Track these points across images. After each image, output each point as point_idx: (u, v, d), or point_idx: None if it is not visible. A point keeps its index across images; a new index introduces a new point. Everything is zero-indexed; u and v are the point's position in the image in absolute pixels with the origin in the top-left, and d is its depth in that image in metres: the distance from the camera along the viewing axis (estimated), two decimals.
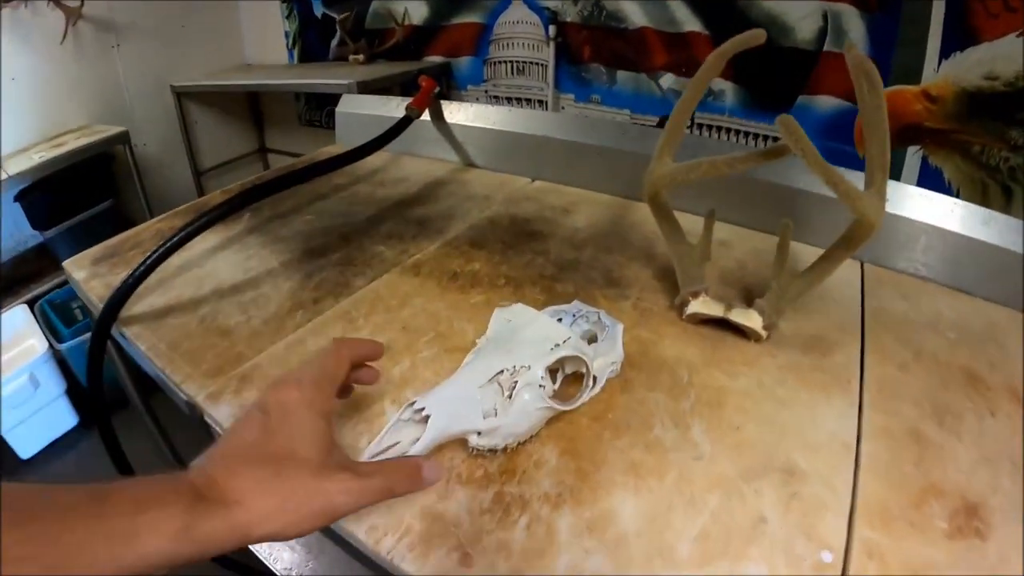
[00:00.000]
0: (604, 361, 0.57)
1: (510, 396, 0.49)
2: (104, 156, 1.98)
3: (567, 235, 0.91)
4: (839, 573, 0.42)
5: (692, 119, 1.18)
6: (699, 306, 0.67)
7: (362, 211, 1.01)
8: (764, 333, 0.64)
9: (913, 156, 0.94)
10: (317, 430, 0.37)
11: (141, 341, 0.69)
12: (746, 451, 0.52)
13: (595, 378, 0.55)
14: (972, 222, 0.76)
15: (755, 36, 0.60)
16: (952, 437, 0.53)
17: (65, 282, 1.77)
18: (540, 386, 0.50)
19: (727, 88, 1.28)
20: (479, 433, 0.49)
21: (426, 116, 1.18)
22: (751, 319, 0.65)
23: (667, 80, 1.27)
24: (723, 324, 0.67)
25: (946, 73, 0.99)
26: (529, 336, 0.54)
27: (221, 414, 0.57)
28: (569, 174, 1.09)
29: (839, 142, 1.14)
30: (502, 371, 0.50)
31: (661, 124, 1.26)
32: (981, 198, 0.78)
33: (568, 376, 0.58)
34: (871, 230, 0.57)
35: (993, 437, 0.54)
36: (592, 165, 1.05)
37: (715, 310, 0.66)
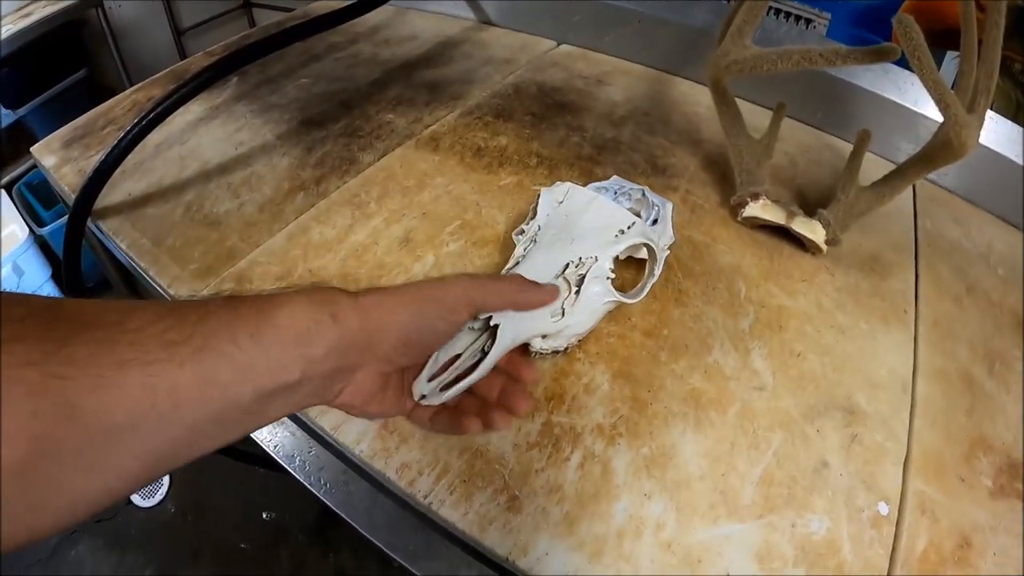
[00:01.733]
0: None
1: (578, 292, 0.43)
2: (75, 22, 1.79)
3: (604, 110, 0.79)
4: (894, 527, 0.40)
5: None
6: (758, 210, 0.60)
7: (365, 74, 0.87)
8: (824, 248, 0.58)
9: (950, 63, 0.81)
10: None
11: (121, 236, 0.60)
12: (808, 384, 0.48)
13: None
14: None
15: None
16: (1001, 387, 0.50)
17: None
18: (608, 278, 0.44)
19: None
20: (544, 336, 0.43)
21: None
22: (814, 231, 0.58)
23: None
24: (780, 231, 0.60)
25: None
26: (590, 222, 0.46)
27: None
28: (600, 40, 0.95)
29: (873, 35, 0.98)
30: (567, 264, 0.43)
31: None
32: (1013, 118, 0.72)
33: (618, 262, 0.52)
34: (961, 156, 0.51)
35: None
36: (628, 32, 0.91)
37: (776, 216, 0.59)
